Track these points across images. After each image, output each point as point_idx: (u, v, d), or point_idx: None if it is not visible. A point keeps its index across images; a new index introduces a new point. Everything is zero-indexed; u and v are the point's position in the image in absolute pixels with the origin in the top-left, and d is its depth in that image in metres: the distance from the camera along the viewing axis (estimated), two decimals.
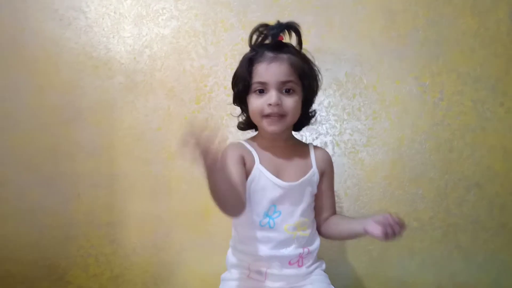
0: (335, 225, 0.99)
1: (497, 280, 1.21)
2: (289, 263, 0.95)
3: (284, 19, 0.93)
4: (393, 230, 0.81)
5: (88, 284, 1.36)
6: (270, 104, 0.89)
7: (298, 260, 0.96)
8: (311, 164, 0.97)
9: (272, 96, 0.89)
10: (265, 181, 0.93)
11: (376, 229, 0.82)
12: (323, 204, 1.00)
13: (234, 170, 0.90)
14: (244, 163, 0.93)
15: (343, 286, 1.26)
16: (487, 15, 1.15)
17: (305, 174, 0.95)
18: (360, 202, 1.25)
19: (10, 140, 1.33)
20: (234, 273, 1.00)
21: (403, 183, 1.23)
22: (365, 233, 0.85)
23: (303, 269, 0.96)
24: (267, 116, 0.91)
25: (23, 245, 1.35)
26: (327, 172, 1.00)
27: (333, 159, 1.22)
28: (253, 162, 0.94)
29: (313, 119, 1.02)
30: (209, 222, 1.29)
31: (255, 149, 0.96)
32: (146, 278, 1.34)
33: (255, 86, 0.91)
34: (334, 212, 1.02)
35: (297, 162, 0.97)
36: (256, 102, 0.91)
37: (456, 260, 1.22)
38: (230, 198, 0.82)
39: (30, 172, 1.33)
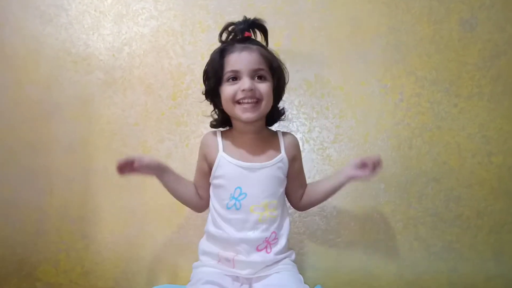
0: (314, 190, 1.06)
1: (454, 268, 1.29)
2: (257, 248, 0.98)
3: None
4: (373, 166, 0.97)
5: (57, 280, 1.35)
6: (243, 90, 0.92)
7: (266, 246, 0.98)
8: (280, 149, 1.02)
9: (245, 82, 0.92)
10: (227, 165, 0.98)
11: (359, 172, 0.98)
12: (299, 183, 1.06)
13: (198, 168, 1.06)
14: (205, 159, 1.02)
15: (312, 277, 1.30)
16: (442, 23, 1.27)
17: (272, 158, 1.00)
18: None
19: None
20: (204, 260, 1.02)
21: None
22: (348, 180, 1.00)
23: (271, 256, 0.98)
24: (241, 103, 0.94)
25: None
26: (297, 156, 1.05)
27: (303, 155, 1.28)
28: (217, 151, 0.99)
29: (284, 116, 1.07)
30: (182, 217, 1.32)
31: (222, 139, 1.01)
32: (118, 274, 1.35)
33: (227, 75, 0.95)
34: (306, 187, 1.09)
35: (265, 149, 1.01)
36: (229, 89, 0.94)
37: (416, 251, 1.30)
38: (179, 199, 1.05)
39: (6, 164, 1.33)
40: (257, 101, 0.95)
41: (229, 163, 0.98)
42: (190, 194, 1.05)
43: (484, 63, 1.27)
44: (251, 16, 1.27)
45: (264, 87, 0.95)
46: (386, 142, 1.30)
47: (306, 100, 1.31)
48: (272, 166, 0.99)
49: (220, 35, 1.00)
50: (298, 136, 1.31)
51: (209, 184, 1.04)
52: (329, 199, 1.28)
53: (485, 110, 1.27)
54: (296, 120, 1.32)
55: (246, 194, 0.98)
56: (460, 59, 1.27)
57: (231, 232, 0.98)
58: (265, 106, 0.97)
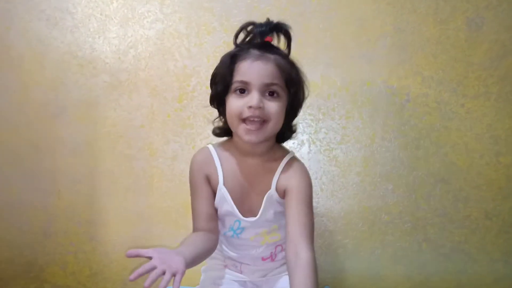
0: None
1: (463, 269, 1.28)
2: (262, 259, 0.97)
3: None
4: None
5: (65, 282, 1.36)
6: (250, 107, 0.80)
7: (271, 256, 0.97)
8: (271, 185, 0.89)
9: (253, 98, 0.80)
10: (227, 207, 0.90)
11: None
12: (287, 226, 0.85)
13: (203, 196, 0.90)
14: (208, 181, 0.91)
15: (320, 278, 1.29)
16: (447, 23, 1.26)
17: (262, 201, 0.89)
18: (335, 197, 1.31)
19: None
20: (211, 264, 1.03)
21: (374, 179, 1.30)
22: None
23: (277, 261, 0.98)
24: (246, 120, 0.82)
25: (0, 242, 1.34)
26: (290, 189, 0.87)
27: (309, 156, 1.30)
28: (217, 181, 0.90)
29: (295, 134, 0.95)
30: (189, 218, 1.29)
31: (222, 164, 0.90)
32: (126, 275, 1.35)
33: (235, 86, 0.82)
34: (298, 244, 0.80)
35: (260, 186, 0.90)
36: (235, 103, 0.82)
37: (424, 252, 1.29)
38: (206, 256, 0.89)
39: (12, 166, 1.33)
40: (264, 121, 0.82)
41: (229, 205, 0.89)
42: (212, 243, 0.90)
43: (491, 62, 1.26)
44: (256, 17, 1.28)
45: (273, 107, 0.82)
46: (393, 142, 1.29)
47: (312, 101, 1.30)
48: (266, 207, 0.89)
49: (236, 36, 0.87)
50: (305, 137, 1.31)
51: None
52: (337, 200, 1.31)
53: (492, 110, 1.26)
54: (302, 122, 1.31)
55: (244, 228, 0.92)
56: (466, 59, 1.26)
57: (233, 251, 0.97)
58: (272, 128, 0.83)
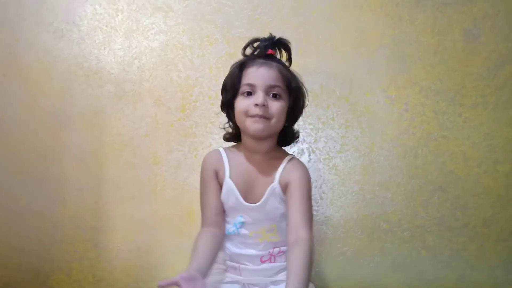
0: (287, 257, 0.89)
1: (462, 276, 1.29)
2: (261, 260, 1.00)
3: (265, 35, 1.01)
4: None
5: None
6: (256, 105, 0.90)
7: (270, 258, 1.00)
8: (274, 179, 0.97)
9: (259, 96, 0.91)
10: (233, 197, 0.97)
11: None
12: (288, 215, 0.94)
13: (212, 190, 0.99)
14: (216, 176, 0.99)
15: (320, 286, 1.32)
16: (445, 34, 1.28)
17: (265, 192, 0.97)
18: (335, 205, 1.33)
19: (2, 144, 1.38)
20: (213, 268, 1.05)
21: (373, 187, 1.32)
22: None
23: (277, 264, 1.00)
24: (252, 116, 0.92)
25: (8, 249, 1.37)
26: (291, 182, 0.96)
27: (309, 165, 1.32)
28: (224, 175, 0.98)
29: (297, 139, 1.05)
30: (193, 225, 1.34)
31: (229, 161, 0.99)
32: (129, 282, 1.37)
33: (243, 88, 0.93)
34: (299, 228, 0.90)
35: (264, 179, 0.98)
36: (242, 102, 0.93)
37: (423, 259, 1.31)
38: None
39: (19, 174, 1.37)
40: (268, 118, 0.93)
41: (234, 196, 0.97)
42: (219, 242, 0.98)
43: (489, 72, 1.28)
44: (258, 29, 1.32)
45: (276, 106, 0.93)
46: (392, 151, 1.31)
47: (312, 111, 1.33)
48: (268, 197, 0.97)
49: (244, 49, 0.99)
50: (304, 146, 1.34)
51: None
52: (336, 208, 1.33)
53: (490, 119, 1.28)
54: (302, 131, 1.34)
55: (244, 223, 0.98)
56: (464, 69, 1.28)
57: (232, 248, 1.00)
58: (275, 124, 0.94)
